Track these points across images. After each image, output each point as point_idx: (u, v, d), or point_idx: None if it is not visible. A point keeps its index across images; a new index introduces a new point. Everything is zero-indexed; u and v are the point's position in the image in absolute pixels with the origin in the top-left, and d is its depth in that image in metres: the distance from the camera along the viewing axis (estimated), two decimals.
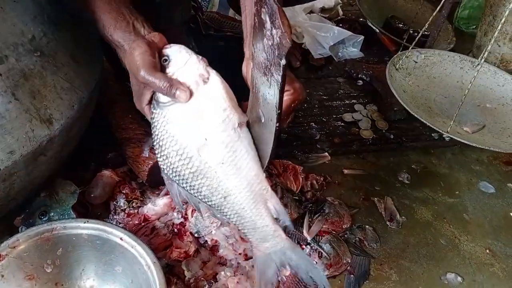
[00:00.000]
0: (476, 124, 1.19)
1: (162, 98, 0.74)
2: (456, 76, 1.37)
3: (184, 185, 0.75)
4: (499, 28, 1.06)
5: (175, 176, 0.75)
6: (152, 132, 0.76)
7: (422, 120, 1.11)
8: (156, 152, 0.76)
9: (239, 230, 0.78)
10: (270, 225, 0.75)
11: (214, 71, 0.74)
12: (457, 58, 1.39)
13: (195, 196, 0.75)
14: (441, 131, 1.10)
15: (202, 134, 0.72)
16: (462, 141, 1.08)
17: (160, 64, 0.74)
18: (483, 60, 1.15)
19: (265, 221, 0.75)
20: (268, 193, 0.75)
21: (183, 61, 0.74)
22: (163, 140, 0.74)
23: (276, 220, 0.76)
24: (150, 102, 0.77)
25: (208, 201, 0.75)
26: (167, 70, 0.74)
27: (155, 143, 0.76)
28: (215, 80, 0.73)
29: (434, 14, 1.32)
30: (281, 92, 0.65)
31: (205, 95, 0.72)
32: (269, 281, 0.78)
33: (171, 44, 0.76)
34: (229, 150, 0.72)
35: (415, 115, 1.11)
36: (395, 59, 1.30)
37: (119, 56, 0.80)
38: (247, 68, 0.85)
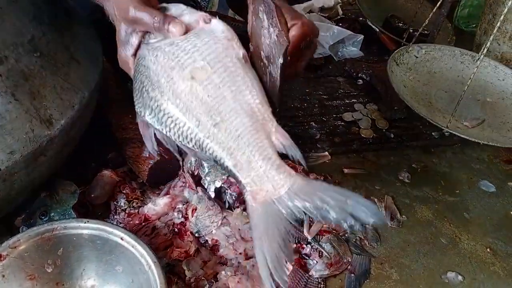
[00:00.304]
0: (475, 119, 1.19)
1: (153, 38, 0.66)
2: (457, 70, 1.37)
3: (165, 123, 0.63)
4: (497, 25, 1.06)
5: (155, 113, 0.63)
6: (134, 75, 0.68)
7: (422, 115, 1.11)
8: (136, 96, 0.67)
9: (227, 171, 0.60)
10: (273, 158, 0.58)
11: (217, 17, 0.66)
12: (457, 52, 1.39)
13: (175, 139, 0.63)
14: (440, 126, 1.10)
15: (199, 57, 0.62)
16: (462, 135, 1.08)
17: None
18: (483, 55, 1.15)
19: (267, 152, 0.59)
20: (274, 126, 0.61)
21: (181, 9, 0.68)
22: (148, 75, 0.64)
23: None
24: (135, 54, 0.69)
25: (192, 139, 0.61)
26: None
27: (136, 85, 0.67)
28: (218, 21, 0.66)
29: (432, 12, 1.32)
30: (280, 90, 0.65)
31: (207, 29, 0.65)
32: (276, 243, 0.54)
33: None
34: (231, 74, 0.62)
35: (416, 110, 1.11)
36: (396, 55, 1.30)
37: (105, 11, 0.71)
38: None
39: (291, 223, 0.55)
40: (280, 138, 0.60)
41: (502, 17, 1.05)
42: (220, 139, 0.60)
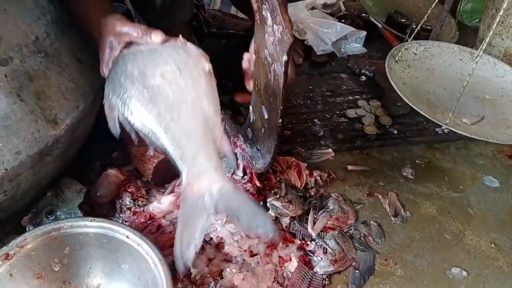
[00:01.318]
0: (475, 116, 1.19)
1: (132, 47, 0.72)
2: (456, 67, 1.36)
3: (128, 106, 0.68)
4: (497, 20, 1.05)
5: (121, 98, 0.69)
6: (110, 70, 0.73)
7: (421, 112, 1.10)
8: (108, 83, 0.72)
9: (172, 160, 0.67)
10: (213, 159, 0.66)
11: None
12: (456, 49, 1.39)
13: (134, 122, 0.68)
14: (440, 123, 1.10)
15: (172, 62, 0.69)
16: (461, 133, 1.08)
17: None
18: (482, 51, 1.15)
19: (210, 153, 0.66)
20: (220, 134, 0.68)
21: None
22: (123, 68, 0.70)
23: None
24: None
25: (151, 126, 0.68)
26: None
27: (110, 75, 0.72)
28: (192, 45, 0.71)
29: (432, 6, 1.31)
30: (284, 87, 0.66)
31: (183, 47, 0.71)
32: (195, 228, 0.64)
33: None
34: (195, 81, 0.68)
35: (415, 107, 1.11)
36: (395, 51, 1.29)
37: (92, 36, 0.80)
38: (249, 61, 0.82)
39: (210, 214, 0.64)
40: (223, 145, 0.68)
41: (502, 11, 1.05)
42: (174, 133, 0.67)
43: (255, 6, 0.66)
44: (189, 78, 0.68)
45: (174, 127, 0.66)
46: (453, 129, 1.09)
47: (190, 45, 0.71)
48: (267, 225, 0.65)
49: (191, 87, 0.68)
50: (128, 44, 0.73)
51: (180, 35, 0.72)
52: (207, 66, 0.70)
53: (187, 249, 0.64)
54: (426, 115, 1.09)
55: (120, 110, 0.69)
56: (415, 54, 1.34)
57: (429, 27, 1.57)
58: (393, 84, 1.16)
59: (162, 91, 0.67)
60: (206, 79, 0.69)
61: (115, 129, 0.72)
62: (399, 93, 1.14)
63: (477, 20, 1.81)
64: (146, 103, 0.67)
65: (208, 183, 0.64)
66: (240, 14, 1.48)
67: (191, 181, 0.65)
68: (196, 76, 0.69)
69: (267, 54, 0.67)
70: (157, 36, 0.70)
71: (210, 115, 0.68)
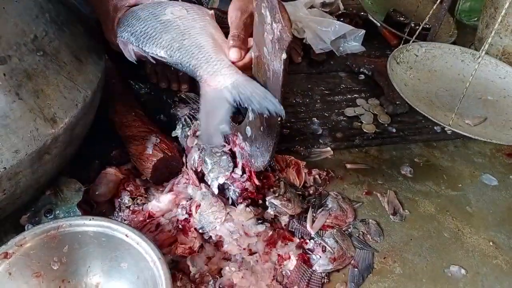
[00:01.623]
0: (477, 117, 1.19)
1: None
2: (457, 69, 1.37)
3: (143, 40, 0.82)
4: (499, 20, 1.06)
5: (135, 33, 0.83)
6: (121, 20, 0.87)
7: (424, 113, 1.11)
8: (120, 25, 0.87)
9: (189, 71, 0.78)
10: (225, 60, 0.75)
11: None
12: (457, 50, 1.39)
13: (148, 53, 0.82)
14: (443, 125, 1.10)
15: (179, 3, 0.83)
16: (464, 134, 1.09)
17: None
18: (484, 52, 1.15)
19: (222, 56, 0.76)
20: (229, 48, 0.77)
21: None
22: (134, 12, 0.85)
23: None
24: None
25: (166, 48, 0.80)
26: None
27: (122, 21, 0.87)
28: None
29: (434, 7, 1.31)
30: (283, 86, 0.66)
31: None
32: (219, 118, 0.72)
33: None
34: (201, 16, 0.82)
35: (417, 109, 1.12)
36: (396, 53, 1.30)
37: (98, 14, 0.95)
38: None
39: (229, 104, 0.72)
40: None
41: (503, 11, 1.05)
42: (186, 48, 0.78)
43: (254, 4, 0.66)
44: (196, 14, 0.81)
45: (186, 44, 0.77)
46: (456, 130, 1.09)
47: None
48: (276, 105, 0.69)
49: (198, 20, 0.81)
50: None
51: None
52: (210, 11, 0.83)
53: (214, 134, 0.73)
54: (429, 117, 1.10)
55: (133, 43, 0.83)
56: (417, 56, 1.35)
57: (427, 26, 1.57)
58: (395, 85, 1.16)
59: (173, 23, 0.80)
60: (210, 19, 0.82)
61: (131, 58, 0.87)
62: (401, 94, 1.14)
63: (475, 19, 1.82)
64: (160, 33, 0.80)
65: (223, 79, 0.72)
66: None
67: (208, 79, 0.74)
68: (202, 15, 0.82)
69: (266, 52, 0.67)
70: None
71: (218, 36, 0.79)
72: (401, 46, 1.35)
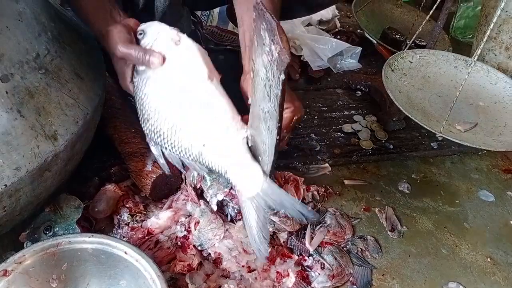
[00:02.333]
0: (468, 123, 1.20)
1: (140, 67, 0.81)
2: (451, 75, 1.38)
3: (166, 144, 0.80)
4: (487, 33, 1.07)
5: (157, 137, 0.80)
6: (135, 102, 0.83)
7: (416, 120, 1.12)
8: (140, 119, 0.82)
9: (223, 176, 0.80)
10: (252, 166, 0.77)
11: (185, 35, 0.80)
12: (451, 57, 1.41)
13: (177, 154, 0.81)
14: (434, 131, 1.11)
15: (178, 88, 0.78)
16: (455, 140, 1.09)
17: (136, 39, 0.82)
18: (476, 57, 1.16)
19: (245, 158, 0.78)
20: (244, 128, 0.78)
21: (156, 31, 0.81)
22: (143, 104, 0.81)
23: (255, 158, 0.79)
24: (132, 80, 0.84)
25: (189, 155, 0.80)
26: (142, 42, 0.81)
27: (138, 111, 0.83)
28: (186, 41, 0.79)
29: (423, 22, 1.33)
30: (281, 106, 0.67)
31: (178, 54, 0.79)
32: (264, 223, 0.78)
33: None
34: (205, 99, 0.78)
35: (410, 116, 1.12)
36: (391, 61, 1.31)
37: (102, 46, 0.87)
38: (246, 82, 0.87)
39: (267, 211, 0.78)
40: (249, 133, 0.78)
41: (491, 26, 1.07)
42: (208, 156, 0.79)
43: (253, 25, 0.67)
44: (199, 97, 0.78)
45: (206, 152, 0.79)
46: (446, 136, 1.10)
47: (184, 45, 0.79)
48: (308, 211, 0.77)
49: (205, 104, 0.78)
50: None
51: (174, 29, 0.80)
52: (205, 71, 0.78)
53: (262, 243, 0.78)
54: (420, 123, 1.10)
55: (162, 145, 0.81)
56: (411, 63, 1.36)
57: (423, 43, 1.60)
58: (389, 92, 1.17)
59: (184, 124, 0.78)
60: (212, 85, 0.78)
61: (163, 165, 0.85)
62: (394, 101, 1.15)
63: (470, 36, 1.85)
64: (178, 138, 0.79)
65: (252, 188, 0.77)
66: (237, 30, 1.50)
67: (241, 190, 0.79)
68: (204, 90, 0.78)
69: (264, 72, 0.68)
70: (154, 61, 0.78)
71: (229, 120, 0.78)
72: (396, 53, 1.36)
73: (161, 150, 0.82)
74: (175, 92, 0.78)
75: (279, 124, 0.70)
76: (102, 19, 0.86)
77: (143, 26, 0.83)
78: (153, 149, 0.83)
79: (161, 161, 0.83)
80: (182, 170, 0.88)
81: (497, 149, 1.19)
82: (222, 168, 0.80)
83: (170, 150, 0.81)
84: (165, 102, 0.79)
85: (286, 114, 0.84)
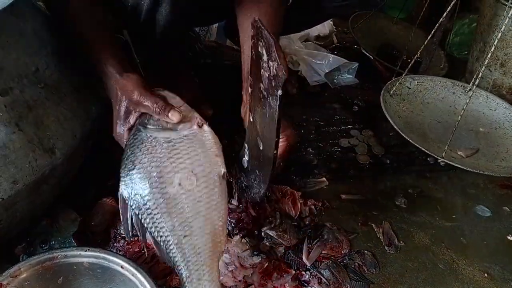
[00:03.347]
0: (470, 149, 1.22)
1: (152, 123, 0.77)
2: (449, 101, 1.40)
3: (144, 213, 0.72)
4: (489, 56, 1.09)
5: (138, 201, 0.72)
6: (127, 151, 0.77)
7: (417, 145, 1.13)
8: (124, 172, 0.75)
9: (179, 276, 0.73)
10: (215, 281, 0.72)
11: (207, 122, 0.77)
12: (449, 83, 1.43)
13: (147, 228, 0.72)
14: (436, 156, 1.12)
15: (190, 166, 0.73)
16: (457, 165, 1.10)
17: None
18: (475, 86, 1.18)
19: (214, 275, 0.72)
20: (224, 248, 0.75)
21: (179, 103, 0.79)
22: (142, 161, 0.73)
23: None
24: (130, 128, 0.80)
25: (162, 236, 0.72)
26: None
27: (127, 162, 0.75)
28: (209, 129, 0.76)
29: (425, 42, 1.35)
30: (279, 121, 0.67)
31: (199, 138, 0.75)
32: None
33: None
34: (210, 191, 0.73)
35: (410, 141, 1.14)
36: (389, 86, 1.33)
37: (104, 84, 0.84)
38: (245, 112, 0.88)
39: None
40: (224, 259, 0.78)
41: (493, 47, 1.09)
42: (184, 250, 0.72)
43: (251, 42, 0.68)
44: (205, 187, 0.72)
45: (185, 245, 0.71)
46: (449, 162, 1.11)
47: (207, 133, 0.75)
48: None
49: (206, 198, 0.72)
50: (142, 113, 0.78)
51: (197, 115, 0.75)
52: (222, 170, 0.74)
53: None
54: (423, 149, 1.12)
55: (134, 211, 0.73)
56: (409, 88, 1.38)
57: (419, 59, 1.61)
58: (388, 118, 1.19)
59: (178, 203, 0.71)
60: (220, 186, 0.74)
61: (127, 232, 0.75)
62: (395, 126, 1.17)
63: (465, 53, 1.87)
64: (162, 215, 0.71)
65: None
66: (236, 46, 1.51)
67: None
68: (211, 184, 0.73)
69: (262, 88, 0.69)
70: (174, 116, 0.74)
71: (219, 229, 0.73)
72: (393, 79, 1.38)
73: (131, 214, 0.74)
74: (187, 167, 0.73)
75: (277, 139, 0.70)
76: (116, 62, 0.82)
77: (162, 91, 0.80)
78: (123, 209, 0.75)
79: (126, 226, 0.75)
80: (140, 240, 0.82)
81: (501, 175, 1.19)
82: (189, 269, 0.72)
83: (144, 220, 0.73)
84: (171, 170, 0.72)
85: (280, 143, 0.81)
